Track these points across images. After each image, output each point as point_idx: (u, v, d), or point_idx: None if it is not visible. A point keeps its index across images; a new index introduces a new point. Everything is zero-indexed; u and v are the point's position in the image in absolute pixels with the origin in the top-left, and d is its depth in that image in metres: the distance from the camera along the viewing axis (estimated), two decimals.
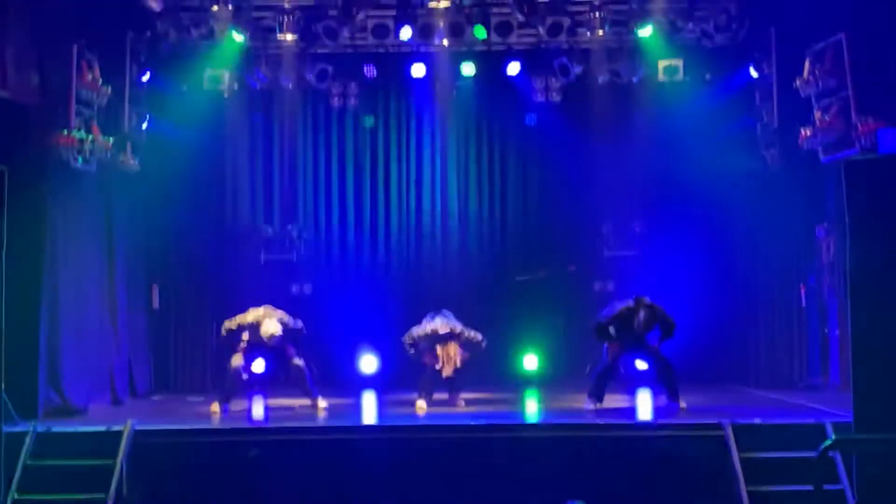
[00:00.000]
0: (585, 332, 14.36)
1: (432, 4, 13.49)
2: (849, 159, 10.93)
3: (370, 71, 14.29)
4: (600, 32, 13.66)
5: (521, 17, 13.45)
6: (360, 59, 14.37)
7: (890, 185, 9.08)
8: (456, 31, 13.53)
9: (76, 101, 11.62)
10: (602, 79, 14.30)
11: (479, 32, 13.58)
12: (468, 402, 12.37)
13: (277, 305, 12.83)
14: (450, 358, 12.10)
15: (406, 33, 13.62)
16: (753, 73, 13.91)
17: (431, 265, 14.91)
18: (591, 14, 13.54)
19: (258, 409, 12.38)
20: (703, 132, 14.21)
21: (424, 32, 13.56)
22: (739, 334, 14.58)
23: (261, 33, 13.78)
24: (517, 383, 14.22)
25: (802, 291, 14.07)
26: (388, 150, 15.48)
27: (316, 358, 14.19)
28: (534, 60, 14.49)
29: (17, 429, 9.90)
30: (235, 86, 14.06)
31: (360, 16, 13.51)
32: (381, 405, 13.06)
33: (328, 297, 14.59)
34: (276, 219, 15.26)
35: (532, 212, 15.44)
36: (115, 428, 10.03)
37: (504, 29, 13.67)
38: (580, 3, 13.59)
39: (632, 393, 12.84)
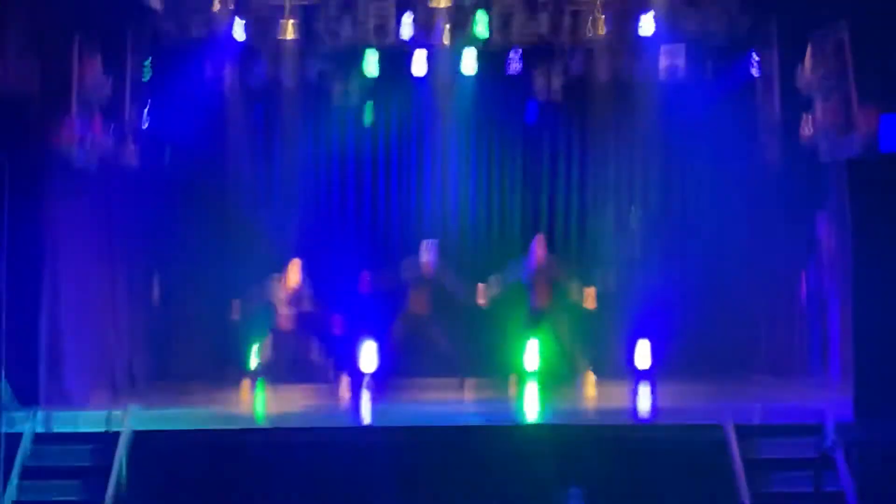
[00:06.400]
0: (585, 332, 14.39)
1: (433, 2, 13.44)
2: (851, 157, 10.90)
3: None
4: (601, 29, 13.61)
5: (522, 14, 13.40)
6: (361, 56, 14.33)
7: (892, 181, 9.08)
8: (457, 28, 13.48)
9: (76, 97, 11.59)
10: (603, 75, 14.26)
11: (480, 29, 13.54)
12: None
13: None
14: None
15: (407, 30, 13.58)
16: (755, 68, 13.87)
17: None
18: (593, 10, 13.51)
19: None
20: (705, 127, 14.18)
21: (425, 29, 13.51)
22: (739, 330, 14.52)
23: (261, 29, 13.73)
24: (517, 383, 14.18)
25: (803, 287, 14.03)
26: (388, 147, 15.45)
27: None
28: (535, 57, 14.45)
29: (16, 430, 9.89)
30: (236, 82, 14.01)
31: (361, 12, 13.46)
32: (381, 403, 13.04)
33: (327, 294, 14.53)
34: (276, 216, 15.24)
35: (532, 209, 15.40)
36: (114, 428, 10.02)
37: (505, 25, 13.62)
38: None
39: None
